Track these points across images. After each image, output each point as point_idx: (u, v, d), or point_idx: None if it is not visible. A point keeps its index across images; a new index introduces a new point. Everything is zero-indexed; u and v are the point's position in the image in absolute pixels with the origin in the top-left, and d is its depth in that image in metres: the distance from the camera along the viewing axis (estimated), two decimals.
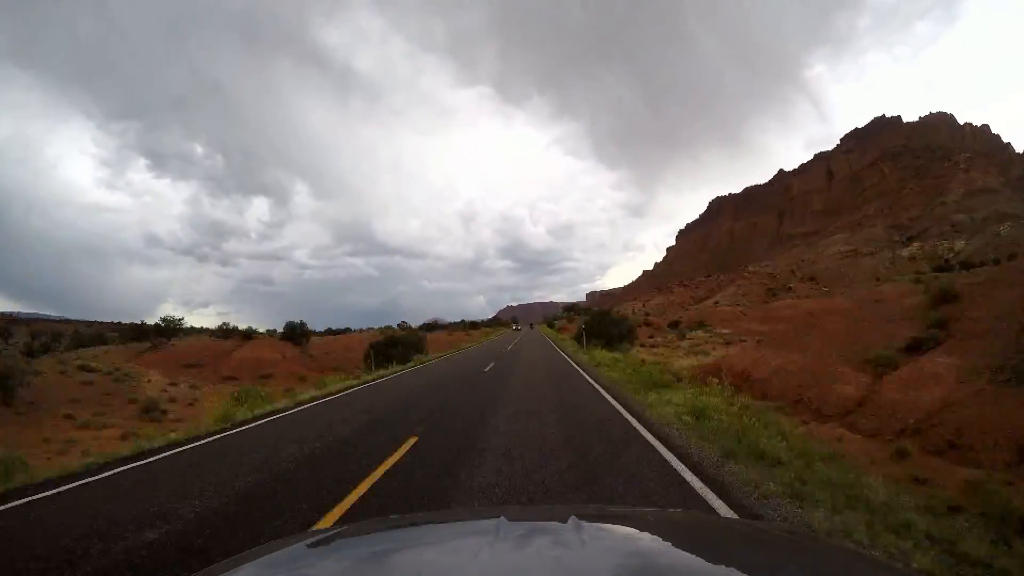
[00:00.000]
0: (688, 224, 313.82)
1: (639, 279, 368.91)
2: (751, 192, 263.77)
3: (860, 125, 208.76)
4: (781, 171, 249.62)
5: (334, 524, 3.64)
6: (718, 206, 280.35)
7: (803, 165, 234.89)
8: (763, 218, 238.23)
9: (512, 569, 0.93)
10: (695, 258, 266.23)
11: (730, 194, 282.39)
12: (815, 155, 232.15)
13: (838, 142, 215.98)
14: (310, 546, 1.18)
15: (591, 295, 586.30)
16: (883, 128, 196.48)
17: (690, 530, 1.34)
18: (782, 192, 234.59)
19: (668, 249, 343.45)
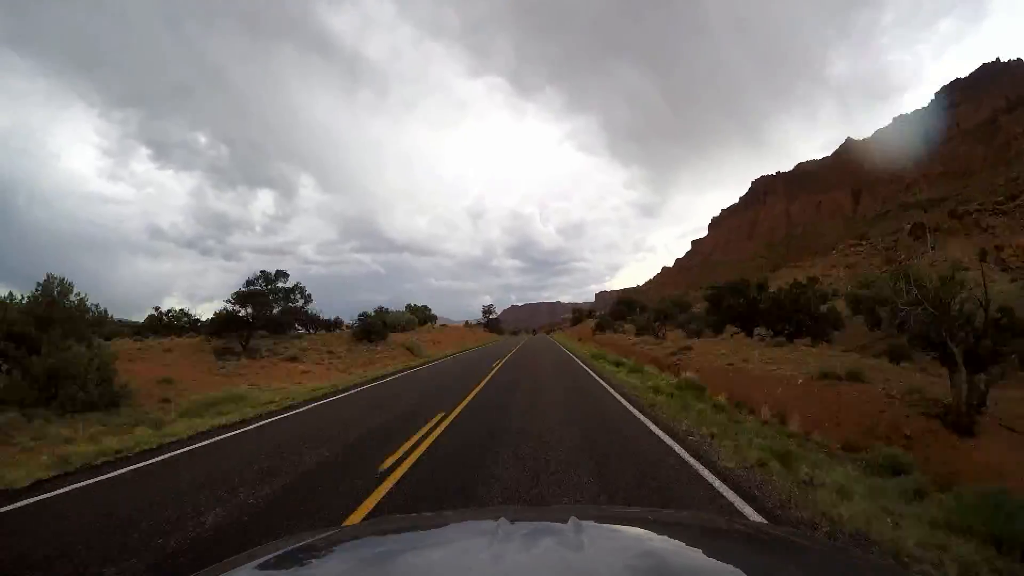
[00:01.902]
0: (723, 211, 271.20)
1: (659, 276, 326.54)
2: (807, 169, 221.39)
3: (962, 75, 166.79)
4: (849, 140, 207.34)
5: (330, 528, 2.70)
6: (764, 187, 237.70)
7: (883, 128, 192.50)
8: (829, 196, 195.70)
9: (512, 572, 0.90)
10: (741, 246, 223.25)
11: (778, 172, 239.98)
12: (894, 119, 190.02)
13: (932, 98, 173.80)
14: (307, 548, 1.16)
15: (601, 295, 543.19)
16: (1000, 75, 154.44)
17: (691, 531, 1.32)
18: (855, 166, 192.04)
19: (694, 242, 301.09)
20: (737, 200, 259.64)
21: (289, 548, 1.14)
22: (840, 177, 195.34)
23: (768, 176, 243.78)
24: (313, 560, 1.10)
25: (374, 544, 1.21)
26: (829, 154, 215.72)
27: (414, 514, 1.84)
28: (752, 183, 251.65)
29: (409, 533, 1.33)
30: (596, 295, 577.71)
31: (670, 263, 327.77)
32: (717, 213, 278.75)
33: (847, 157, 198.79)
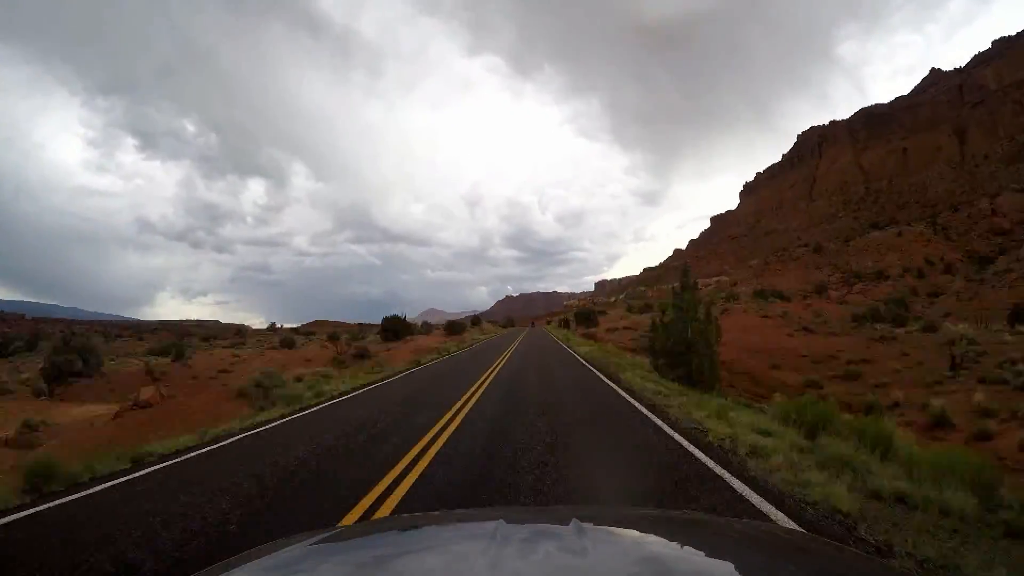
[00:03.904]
0: (760, 174, 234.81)
1: (671, 260, 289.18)
2: (875, 112, 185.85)
3: None
4: (935, 71, 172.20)
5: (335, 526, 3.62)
6: (819, 137, 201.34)
7: (983, 54, 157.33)
8: (919, 139, 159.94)
9: None
10: (801, 208, 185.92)
11: (831, 122, 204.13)
12: (994, 41, 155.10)
13: None
14: (302, 550, 1.16)
15: (600, 284, 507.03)
16: None
17: (694, 533, 1.32)
18: (952, 98, 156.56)
19: (714, 219, 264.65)
20: (780, 159, 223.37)
21: (282, 551, 1.13)
22: (931, 115, 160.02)
23: (820, 126, 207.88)
24: (307, 563, 1.09)
25: (369, 548, 1.20)
26: (907, 92, 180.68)
27: (410, 515, 1.82)
28: (799, 136, 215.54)
29: (404, 536, 1.30)
30: (596, 284, 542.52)
31: (682, 246, 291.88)
32: (751, 178, 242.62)
33: (938, 91, 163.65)
